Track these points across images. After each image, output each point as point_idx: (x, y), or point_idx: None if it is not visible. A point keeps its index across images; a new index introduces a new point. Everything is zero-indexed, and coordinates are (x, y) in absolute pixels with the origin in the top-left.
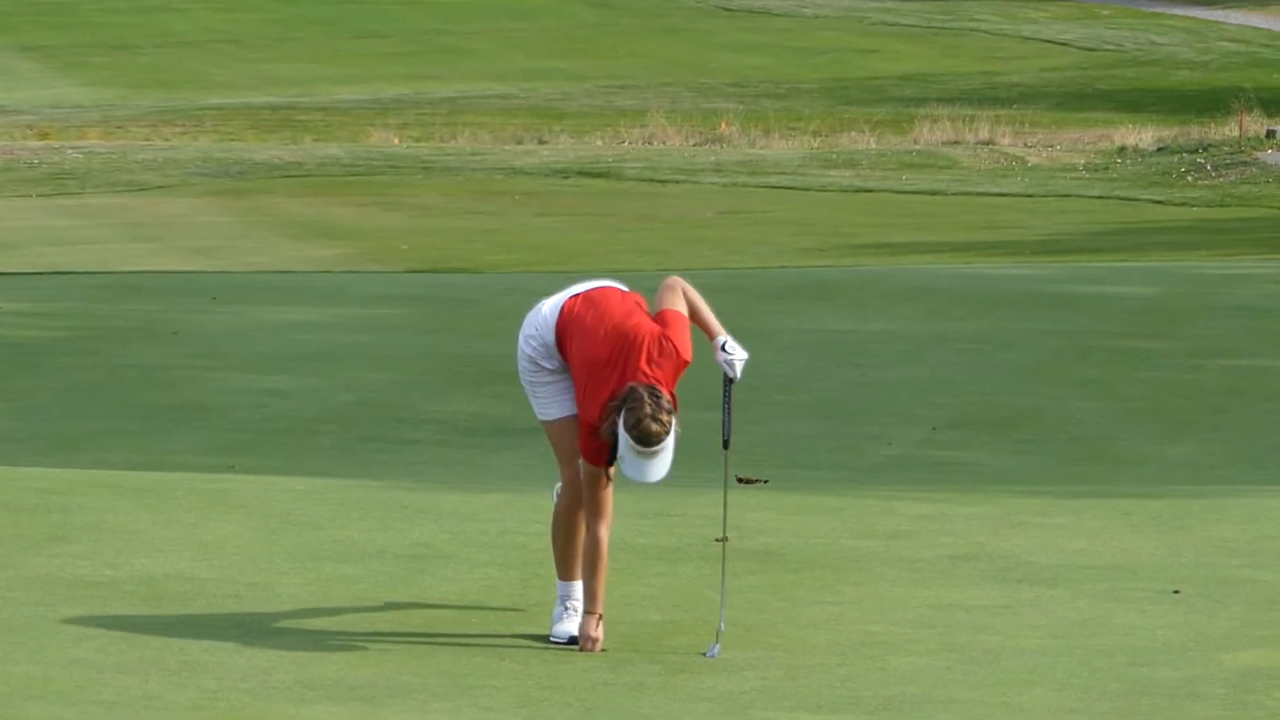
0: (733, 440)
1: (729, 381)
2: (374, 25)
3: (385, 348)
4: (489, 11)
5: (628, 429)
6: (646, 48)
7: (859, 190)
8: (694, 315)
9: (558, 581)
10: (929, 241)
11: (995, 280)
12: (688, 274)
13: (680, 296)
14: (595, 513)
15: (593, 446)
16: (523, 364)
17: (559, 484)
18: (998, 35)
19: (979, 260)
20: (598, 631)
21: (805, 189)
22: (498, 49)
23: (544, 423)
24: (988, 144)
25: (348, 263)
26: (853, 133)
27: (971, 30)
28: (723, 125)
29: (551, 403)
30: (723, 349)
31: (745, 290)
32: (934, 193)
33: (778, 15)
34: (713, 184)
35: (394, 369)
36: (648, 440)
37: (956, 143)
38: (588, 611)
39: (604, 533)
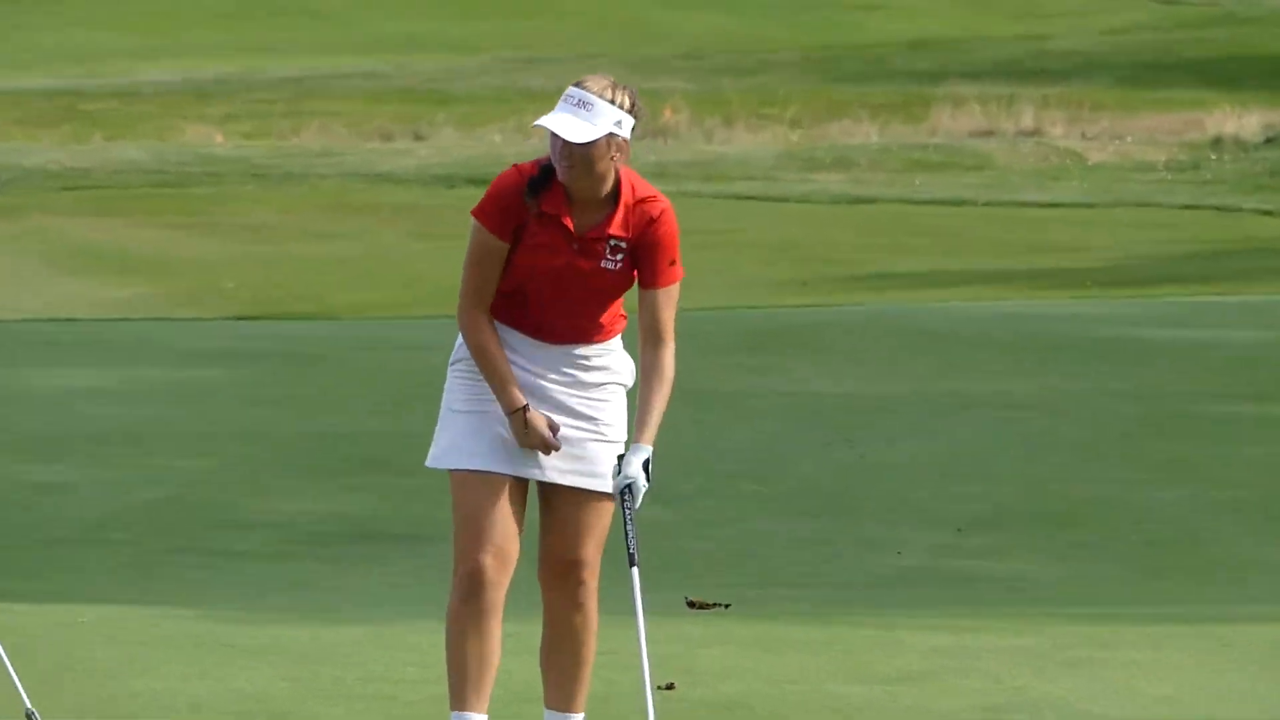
0: (640, 557)
1: (625, 504)
2: None
3: (202, 424)
4: None
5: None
6: (564, 4)
7: (854, 200)
8: (644, 398)
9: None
10: (950, 270)
11: (1043, 322)
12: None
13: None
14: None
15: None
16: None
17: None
18: None
19: (1020, 295)
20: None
21: (781, 199)
22: (359, 9)
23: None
24: (1032, 135)
25: (151, 306)
26: (846, 121)
27: None
28: (667, 112)
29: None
30: (644, 469)
31: (699, 338)
32: (958, 202)
33: None
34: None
35: (213, 453)
36: (578, 85)
37: (989, 133)
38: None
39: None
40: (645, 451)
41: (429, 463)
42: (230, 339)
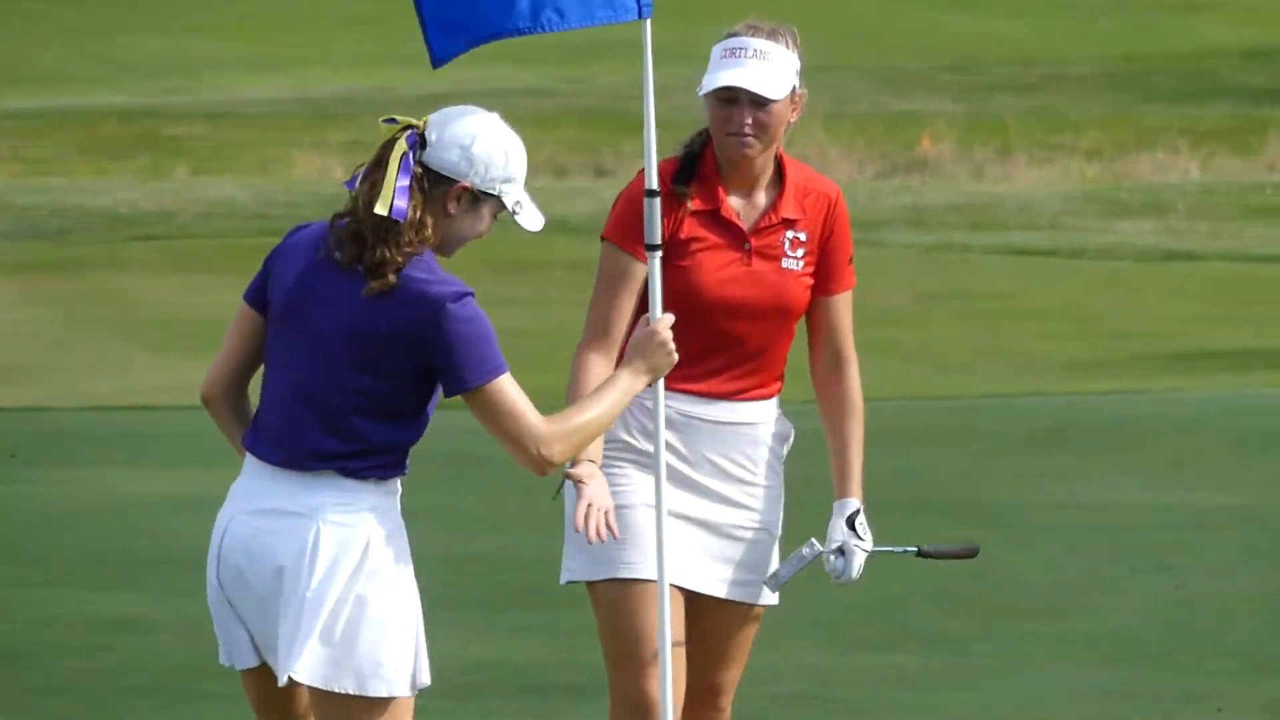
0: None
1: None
2: None
3: None
4: None
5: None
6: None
7: (1169, 255)
8: (839, 437)
9: None
10: None
11: None
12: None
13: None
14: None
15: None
16: None
17: None
18: None
19: None
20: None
21: (1073, 254)
22: None
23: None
24: None
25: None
26: (1159, 153)
27: None
28: (924, 141)
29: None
30: (850, 527)
31: (969, 436)
32: None
33: None
34: (907, 246)
35: None
36: (738, 35)
37: None
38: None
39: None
40: (853, 506)
41: (566, 577)
42: None
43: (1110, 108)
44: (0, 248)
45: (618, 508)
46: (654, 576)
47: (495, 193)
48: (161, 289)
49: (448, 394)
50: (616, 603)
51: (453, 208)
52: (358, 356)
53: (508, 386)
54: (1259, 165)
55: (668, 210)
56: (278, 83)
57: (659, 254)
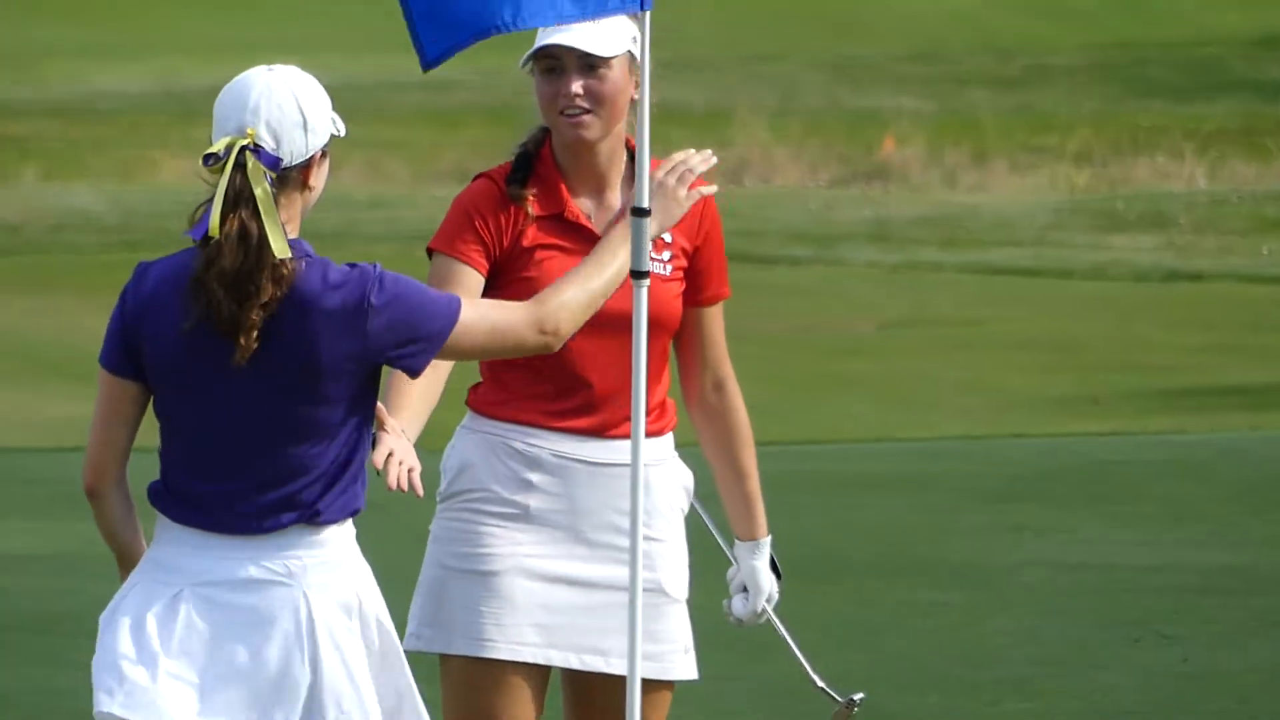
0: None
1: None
2: None
3: None
4: None
5: None
6: None
7: (1171, 276)
8: (735, 467)
9: None
10: None
11: None
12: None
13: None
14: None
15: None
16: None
17: None
18: None
19: None
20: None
21: (1062, 274)
22: None
23: None
24: None
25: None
26: (1159, 157)
27: None
28: (887, 143)
29: None
30: (770, 568)
31: (941, 482)
32: None
33: None
34: (870, 265)
35: None
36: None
37: None
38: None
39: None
40: (768, 547)
41: (413, 644)
42: None
43: (1102, 105)
44: None
45: (481, 573)
46: (515, 658)
47: (338, 133)
48: (6, 312)
49: (419, 367)
50: (468, 684)
51: (314, 180)
52: (293, 388)
53: (470, 313)
54: (1275, 172)
55: (502, 218)
56: (138, 73)
57: (646, 282)
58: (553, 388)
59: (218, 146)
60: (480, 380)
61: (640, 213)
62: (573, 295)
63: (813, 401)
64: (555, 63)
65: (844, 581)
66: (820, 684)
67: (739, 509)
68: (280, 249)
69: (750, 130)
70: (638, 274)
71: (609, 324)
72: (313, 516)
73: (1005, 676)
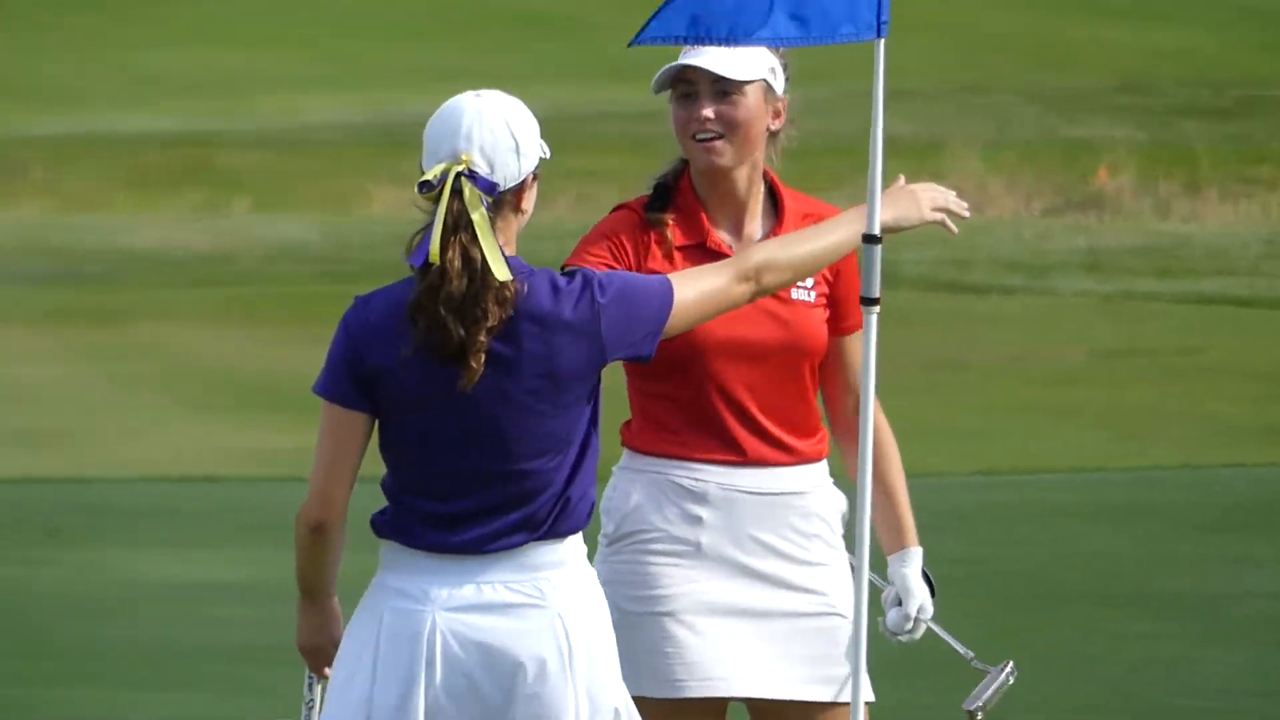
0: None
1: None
2: None
3: None
4: None
5: None
6: (921, 15)
7: None
8: (885, 480)
9: None
10: None
11: None
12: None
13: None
14: None
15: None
16: None
17: None
18: None
19: None
20: None
21: (1274, 304)
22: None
23: None
24: None
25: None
26: None
27: None
28: (1101, 174)
29: None
30: (927, 580)
31: (1153, 513)
32: None
33: None
34: (1080, 294)
35: None
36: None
37: None
38: None
39: None
40: (918, 556)
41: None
42: None
43: None
44: (33, 293)
45: (661, 614)
46: (708, 694)
47: (545, 156)
48: (217, 342)
49: (647, 353)
50: None
51: (526, 203)
52: (533, 403)
53: (680, 287)
54: None
55: (639, 240)
56: (348, 104)
57: (876, 309)
58: (708, 418)
59: (432, 173)
60: (630, 416)
61: (872, 240)
62: (773, 248)
63: (1027, 430)
64: (689, 87)
65: (1060, 611)
66: (977, 664)
67: (888, 524)
68: (501, 272)
69: (963, 161)
70: (867, 300)
71: (760, 353)
72: (551, 532)
73: (1225, 708)
